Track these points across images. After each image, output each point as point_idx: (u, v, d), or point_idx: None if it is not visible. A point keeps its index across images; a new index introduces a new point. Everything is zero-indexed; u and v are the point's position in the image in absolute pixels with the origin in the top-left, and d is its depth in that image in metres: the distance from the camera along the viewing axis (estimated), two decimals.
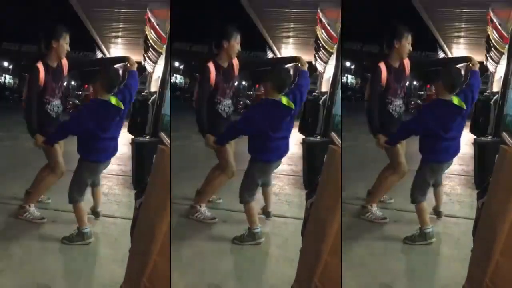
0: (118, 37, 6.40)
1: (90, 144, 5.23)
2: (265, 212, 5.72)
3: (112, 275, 4.55)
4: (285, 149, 5.37)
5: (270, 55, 6.82)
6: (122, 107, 5.20)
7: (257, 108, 5.44)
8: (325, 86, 6.28)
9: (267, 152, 5.25)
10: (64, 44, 5.51)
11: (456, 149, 5.25)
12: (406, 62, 5.70)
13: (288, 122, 5.26)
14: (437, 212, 5.65)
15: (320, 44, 6.20)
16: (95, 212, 5.66)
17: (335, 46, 6.17)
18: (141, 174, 5.87)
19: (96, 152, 5.26)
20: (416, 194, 5.22)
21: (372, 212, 5.75)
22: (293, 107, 5.17)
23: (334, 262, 4.05)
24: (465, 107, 5.07)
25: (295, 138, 5.90)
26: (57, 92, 5.61)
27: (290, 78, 5.38)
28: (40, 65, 5.46)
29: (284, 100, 5.14)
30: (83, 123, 5.16)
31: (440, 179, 5.49)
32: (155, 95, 6.20)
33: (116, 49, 6.84)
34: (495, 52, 6.13)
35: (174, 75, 7.04)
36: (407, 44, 5.57)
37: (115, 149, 5.39)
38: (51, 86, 5.53)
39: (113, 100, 5.15)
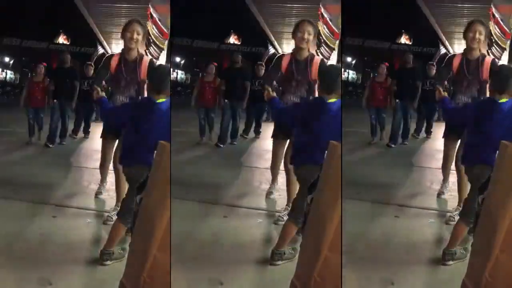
0: (120, 32, 6.42)
1: None
2: None
3: (112, 270, 4.55)
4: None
5: (272, 50, 6.82)
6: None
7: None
8: None
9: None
10: (129, 34, 5.43)
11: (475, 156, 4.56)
12: (485, 58, 5.53)
13: None
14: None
15: (322, 40, 6.19)
16: None
17: (337, 41, 6.17)
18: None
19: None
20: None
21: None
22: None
23: (334, 257, 4.05)
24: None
25: None
26: (123, 84, 5.48)
27: None
28: (116, 55, 5.55)
29: None
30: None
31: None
32: None
33: (118, 45, 6.83)
34: (497, 47, 6.12)
35: (176, 70, 7.04)
36: (470, 34, 5.44)
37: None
38: (119, 77, 5.47)
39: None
